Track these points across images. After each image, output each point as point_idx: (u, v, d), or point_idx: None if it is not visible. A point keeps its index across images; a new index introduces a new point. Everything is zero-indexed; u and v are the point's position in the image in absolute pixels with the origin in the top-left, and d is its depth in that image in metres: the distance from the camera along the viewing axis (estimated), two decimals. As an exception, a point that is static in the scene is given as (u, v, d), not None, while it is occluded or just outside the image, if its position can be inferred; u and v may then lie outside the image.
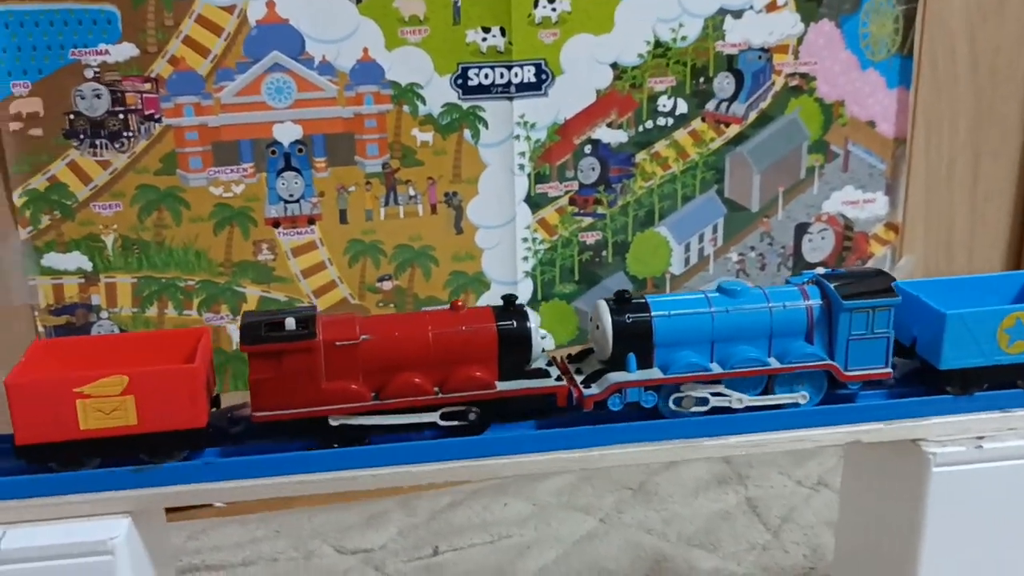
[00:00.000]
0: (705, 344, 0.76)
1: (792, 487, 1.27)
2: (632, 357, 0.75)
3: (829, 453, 1.34)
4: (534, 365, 0.75)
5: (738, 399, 0.76)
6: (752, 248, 1.38)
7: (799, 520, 1.20)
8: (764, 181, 1.36)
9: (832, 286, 0.77)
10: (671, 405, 0.76)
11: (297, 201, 1.20)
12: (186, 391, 0.68)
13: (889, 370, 0.78)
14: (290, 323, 0.69)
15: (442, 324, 0.73)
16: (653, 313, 0.75)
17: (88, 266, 1.16)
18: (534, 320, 0.75)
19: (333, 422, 0.71)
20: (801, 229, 1.39)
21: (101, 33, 1.09)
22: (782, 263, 1.40)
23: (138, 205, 1.15)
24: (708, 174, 1.33)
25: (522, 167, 1.26)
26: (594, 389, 0.75)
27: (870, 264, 1.44)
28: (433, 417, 0.73)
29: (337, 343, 0.70)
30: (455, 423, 0.73)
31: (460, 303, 0.75)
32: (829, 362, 0.77)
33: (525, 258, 1.30)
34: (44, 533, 0.68)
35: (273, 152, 1.17)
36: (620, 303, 0.76)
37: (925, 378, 0.80)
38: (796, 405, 0.78)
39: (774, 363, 0.77)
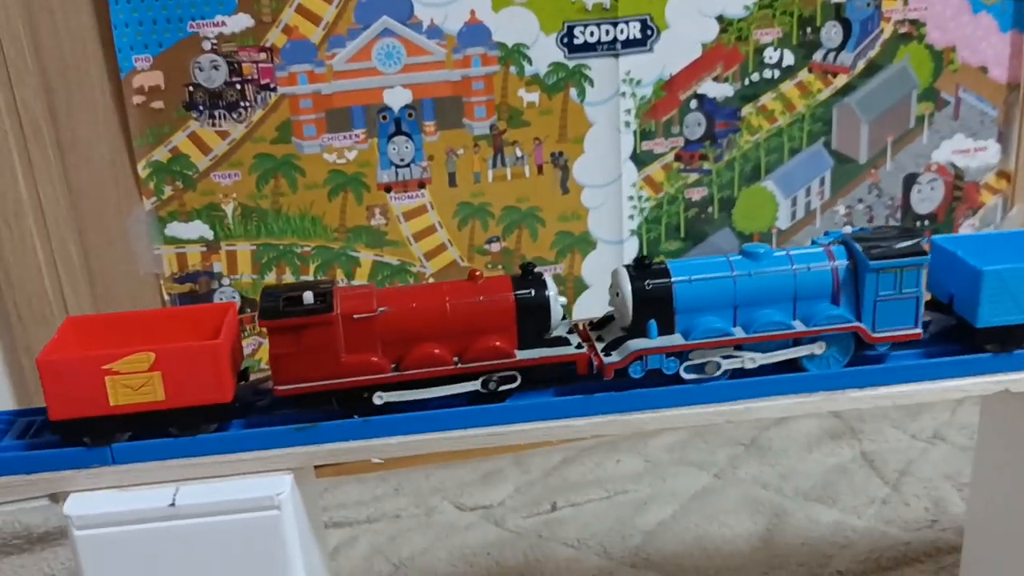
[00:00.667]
0: (728, 309, 0.75)
1: (907, 441, 1.26)
2: (653, 324, 0.74)
3: (942, 407, 1.32)
4: (555, 333, 0.75)
5: (750, 359, 0.75)
6: (860, 200, 1.36)
7: (918, 474, 1.19)
8: (872, 132, 1.33)
9: (858, 246, 0.75)
10: (692, 371, 0.75)
11: (408, 165, 1.21)
12: (212, 367, 0.70)
13: (919, 331, 0.76)
14: (308, 297, 0.70)
15: (459, 294, 0.73)
16: (673, 278, 0.74)
17: (209, 235, 1.19)
18: (552, 288, 0.74)
19: (377, 400, 0.72)
20: (910, 180, 1.37)
21: (218, 5, 1.11)
22: (890, 215, 1.37)
23: (256, 174, 1.18)
24: (815, 126, 1.31)
25: (628, 124, 1.25)
26: (614, 356, 0.73)
27: (980, 214, 1.40)
28: (469, 387, 0.73)
29: (354, 316, 0.71)
30: (478, 392, 0.73)
31: (478, 272, 0.74)
32: (856, 324, 0.75)
33: (631, 216, 1.29)
34: (214, 489, 0.71)
35: (384, 117, 1.19)
36: (640, 269, 0.74)
37: (961, 336, 0.78)
38: (812, 356, 0.76)
39: (799, 326, 0.75)
